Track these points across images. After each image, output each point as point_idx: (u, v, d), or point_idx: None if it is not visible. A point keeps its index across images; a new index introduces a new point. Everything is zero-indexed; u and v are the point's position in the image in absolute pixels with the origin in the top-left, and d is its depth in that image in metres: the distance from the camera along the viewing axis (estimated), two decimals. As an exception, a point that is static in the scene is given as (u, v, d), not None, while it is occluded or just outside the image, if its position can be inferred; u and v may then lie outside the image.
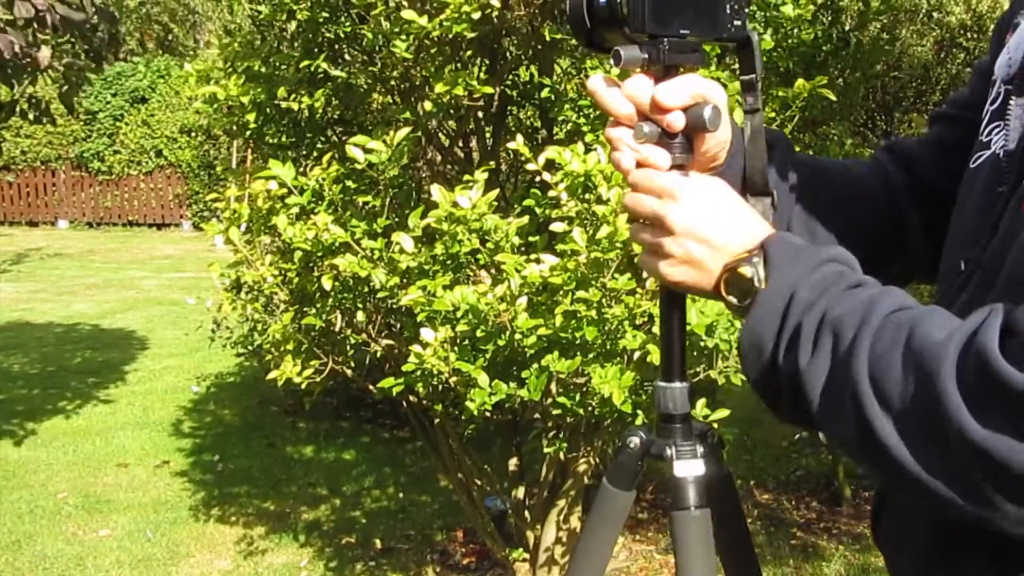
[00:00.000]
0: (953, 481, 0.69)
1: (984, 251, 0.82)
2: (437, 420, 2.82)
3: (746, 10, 0.90)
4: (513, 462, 3.14)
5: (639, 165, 0.90)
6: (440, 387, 2.26)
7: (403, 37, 2.27)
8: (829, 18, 2.77)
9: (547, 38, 2.46)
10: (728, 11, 0.89)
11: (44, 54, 4.18)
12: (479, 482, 3.11)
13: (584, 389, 2.18)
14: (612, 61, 0.87)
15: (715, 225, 0.88)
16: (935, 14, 5.70)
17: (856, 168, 1.09)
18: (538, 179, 2.25)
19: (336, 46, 2.62)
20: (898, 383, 0.71)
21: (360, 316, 2.52)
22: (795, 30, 2.50)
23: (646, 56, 0.87)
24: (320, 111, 2.63)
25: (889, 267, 1.03)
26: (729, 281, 0.87)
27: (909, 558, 0.88)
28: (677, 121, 0.88)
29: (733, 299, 0.88)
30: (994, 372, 0.65)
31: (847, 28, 2.83)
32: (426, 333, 2.12)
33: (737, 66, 0.93)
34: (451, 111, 2.63)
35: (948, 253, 0.91)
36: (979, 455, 0.66)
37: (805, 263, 0.83)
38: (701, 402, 2.19)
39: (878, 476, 0.79)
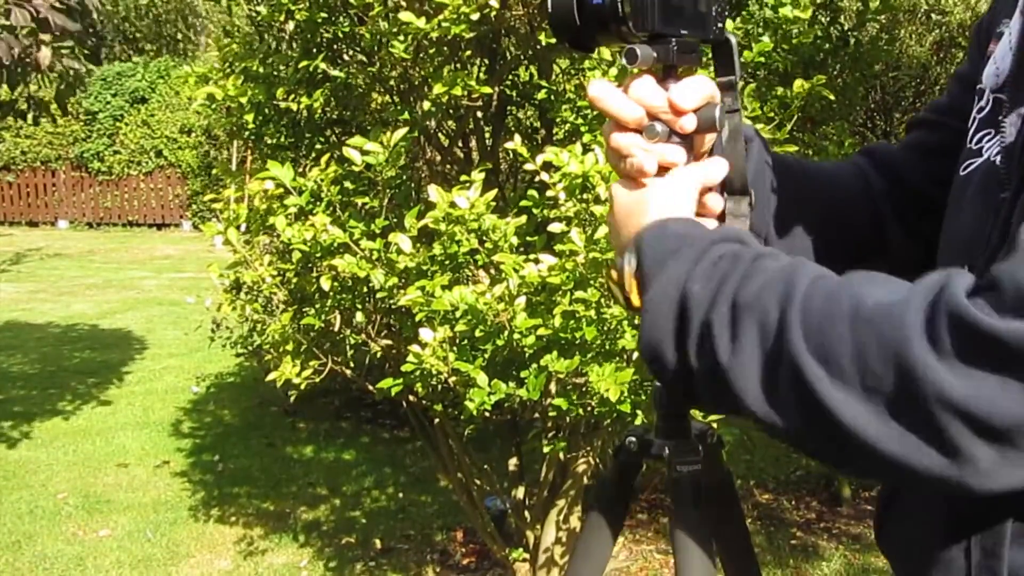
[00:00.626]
0: (924, 446, 0.66)
1: (991, 258, 0.81)
2: (437, 420, 2.82)
3: (726, 14, 0.90)
4: (513, 462, 3.14)
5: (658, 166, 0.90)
6: (439, 387, 2.26)
7: (401, 38, 2.27)
8: (828, 18, 2.77)
9: (545, 38, 2.46)
10: (713, 13, 0.90)
11: (44, 54, 4.18)
12: (479, 482, 3.11)
13: (583, 389, 2.18)
14: (625, 60, 0.87)
15: (617, 226, 0.89)
16: (934, 14, 5.70)
17: (836, 169, 1.08)
18: (537, 179, 2.25)
19: (335, 46, 2.62)
20: (852, 356, 0.68)
21: (359, 316, 2.52)
22: (794, 31, 2.49)
23: (655, 55, 0.87)
24: (319, 111, 2.63)
25: (869, 267, 1.03)
26: (613, 282, 0.85)
27: (915, 560, 0.87)
28: (690, 123, 0.88)
29: (621, 304, 0.85)
30: (974, 327, 0.64)
31: (846, 28, 2.83)
32: (425, 333, 2.12)
33: (729, 67, 0.93)
34: (450, 111, 2.63)
35: (945, 259, 0.91)
36: (959, 413, 0.64)
37: (689, 252, 0.80)
38: (700, 402, 2.19)
39: (824, 462, 0.75)
